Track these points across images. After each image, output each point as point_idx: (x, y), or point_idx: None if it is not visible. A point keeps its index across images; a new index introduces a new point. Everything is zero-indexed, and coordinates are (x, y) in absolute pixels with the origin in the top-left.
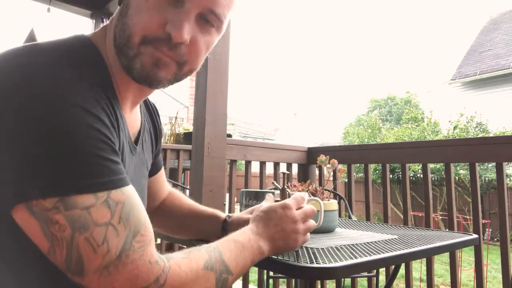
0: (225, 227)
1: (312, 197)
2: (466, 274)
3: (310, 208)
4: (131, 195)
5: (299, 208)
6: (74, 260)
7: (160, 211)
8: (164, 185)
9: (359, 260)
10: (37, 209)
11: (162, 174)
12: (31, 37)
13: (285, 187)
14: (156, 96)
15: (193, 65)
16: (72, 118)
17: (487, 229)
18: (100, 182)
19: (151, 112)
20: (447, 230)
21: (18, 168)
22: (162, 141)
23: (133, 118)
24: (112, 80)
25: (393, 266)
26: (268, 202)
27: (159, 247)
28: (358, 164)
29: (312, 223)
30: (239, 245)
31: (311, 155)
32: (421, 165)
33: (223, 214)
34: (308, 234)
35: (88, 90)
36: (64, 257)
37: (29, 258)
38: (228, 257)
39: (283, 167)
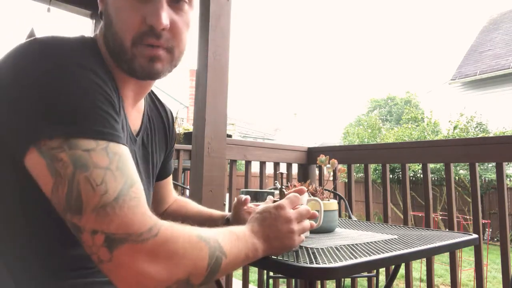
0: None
1: (312, 197)
2: (466, 274)
3: (305, 208)
4: (127, 154)
5: (294, 208)
6: (74, 197)
7: (165, 216)
8: (171, 192)
9: (359, 260)
10: (45, 148)
11: (170, 181)
12: (31, 37)
13: (282, 187)
14: None
15: (181, 46)
16: (78, 73)
17: (487, 229)
18: (101, 130)
19: (161, 116)
20: (447, 230)
21: (31, 116)
22: None
23: (135, 116)
24: (112, 75)
25: (393, 266)
26: (266, 203)
27: None
28: (358, 164)
29: (307, 224)
30: (233, 235)
31: (311, 155)
32: (421, 165)
33: (228, 214)
34: (303, 235)
35: (93, 60)
36: (65, 193)
37: (24, 253)
38: (222, 239)
39: (283, 167)
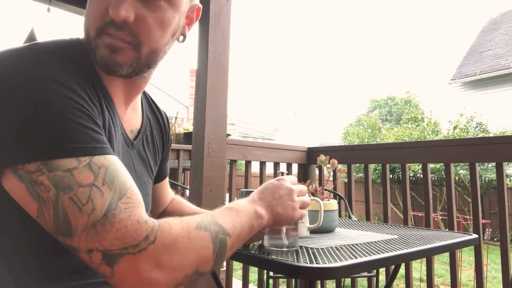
0: None
1: (312, 197)
2: (466, 274)
3: (303, 187)
4: (115, 162)
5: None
6: (62, 220)
7: (163, 217)
8: (168, 194)
9: (359, 260)
10: (22, 172)
11: (167, 183)
12: (31, 37)
13: None
14: (156, 96)
15: (151, 44)
16: (49, 89)
17: (487, 229)
18: (82, 147)
19: (158, 119)
20: (447, 230)
21: (3, 138)
22: None
23: (130, 116)
24: (101, 77)
25: (393, 266)
26: None
27: None
28: (358, 164)
29: (307, 199)
30: (233, 210)
31: (311, 155)
32: (421, 165)
33: None
34: (305, 211)
35: (67, 73)
36: (52, 217)
37: (24, 258)
38: (223, 220)
39: (283, 167)
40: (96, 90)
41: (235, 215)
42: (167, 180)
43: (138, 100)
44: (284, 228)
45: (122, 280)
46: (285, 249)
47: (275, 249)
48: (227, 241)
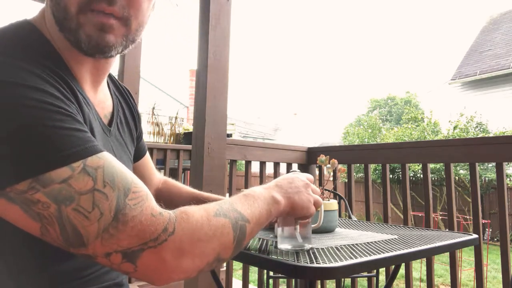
0: None
1: None
2: (466, 274)
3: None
4: (108, 158)
5: None
6: (70, 233)
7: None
8: (154, 171)
9: (359, 260)
10: (13, 194)
11: (149, 160)
12: None
13: None
14: (156, 96)
15: (139, 18)
16: (16, 98)
17: (487, 229)
18: (72, 152)
19: (124, 96)
20: (447, 230)
21: None
22: (162, 140)
23: (101, 100)
24: (63, 59)
25: (393, 266)
26: None
27: None
28: (358, 164)
29: (320, 199)
30: (250, 197)
31: (311, 155)
32: (421, 165)
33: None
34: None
35: (27, 69)
36: (58, 232)
37: (21, 268)
38: (241, 206)
39: (283, 167)
40: (65, 80)
41: (252, 201)
42: (147, 157)
43: (105, 80)
44: (298, 227)
45: (146, 272)
46: (298, 249)
47: (289, 250)
48: (247, 227)
